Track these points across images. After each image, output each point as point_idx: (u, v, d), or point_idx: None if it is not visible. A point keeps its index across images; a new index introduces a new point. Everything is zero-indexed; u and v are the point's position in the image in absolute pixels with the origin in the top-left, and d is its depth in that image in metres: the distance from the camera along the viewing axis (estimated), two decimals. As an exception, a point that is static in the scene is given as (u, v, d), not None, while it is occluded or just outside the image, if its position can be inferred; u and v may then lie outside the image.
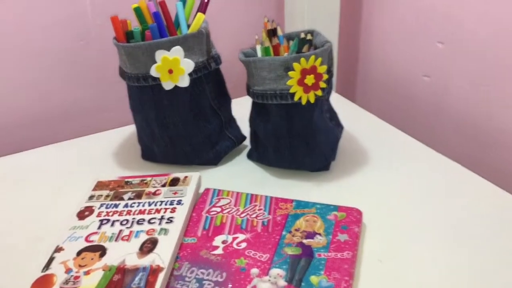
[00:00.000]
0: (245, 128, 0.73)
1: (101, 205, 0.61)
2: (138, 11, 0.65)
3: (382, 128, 0.79)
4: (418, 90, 0.88)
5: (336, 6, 0.90)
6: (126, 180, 0.66)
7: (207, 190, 0.64)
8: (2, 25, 0.78)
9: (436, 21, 0.81)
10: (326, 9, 0.89)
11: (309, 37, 0.66)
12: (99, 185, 0.65)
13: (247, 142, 0.74)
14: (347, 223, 0.56)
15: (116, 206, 0.60)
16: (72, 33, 0.83)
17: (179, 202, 0.60)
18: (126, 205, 0.60)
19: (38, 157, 0.76)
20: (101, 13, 0.83)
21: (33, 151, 0.78)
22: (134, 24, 0.65)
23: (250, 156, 0.73)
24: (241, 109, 0.74)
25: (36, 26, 0.80)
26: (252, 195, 0.62)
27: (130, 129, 0.83)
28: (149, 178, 0.66)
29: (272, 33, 0.64)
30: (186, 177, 0.65)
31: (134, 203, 0.61)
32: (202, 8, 0.66)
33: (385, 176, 0.67)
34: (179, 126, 0.66)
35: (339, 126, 0.72)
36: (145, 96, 0.65)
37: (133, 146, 0.77)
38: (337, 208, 0.58)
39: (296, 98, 0.60)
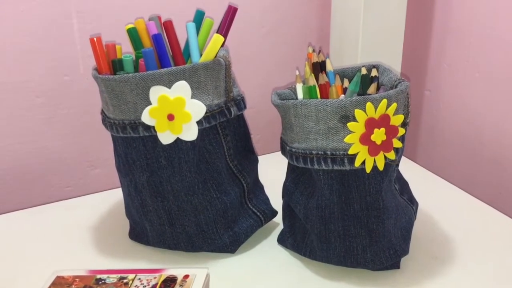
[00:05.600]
0: (276, 198, 0.57)
1: (52, 321, 0.40)
2: (133, 33, 0.51)
3: (460, 200, 0.64)
4: None
5: (400, 35, 0.74)
6: (98, 276, 0.47)
7: (217, 297, 0.44)
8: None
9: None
10: (385, 40, 0.73)
11: (374, 73, 0.49)
12: (57, 283, 0.46)
13: (278, 218, 0.57)
14: None
15: (73, 323, 0.40)
16: (54, 65, 0.67)
17: (170, 324, 0.39)
18: (89, 323, 0.40)
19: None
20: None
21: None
22: (128, 51, 0.52)
23: (282, 241, 0.55)
24: (272, 169, 0.60)
25: (6, 55, 0.64)
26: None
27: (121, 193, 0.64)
28: (131, 275, 0.47)
29: (319, 67, 0.50)
30: (186, 276, 0.46)
31: (102, 319, 0.40)
32: (222, 29, 0.50)
33: (481, 277, 0.50)
34: (181, 196, 0.51)
35: (413, 203, 0.53)
36: (134, 153, 0.50)
37: (121, 218, 0.60)
38: None
39: (357, 163, 0.44)
